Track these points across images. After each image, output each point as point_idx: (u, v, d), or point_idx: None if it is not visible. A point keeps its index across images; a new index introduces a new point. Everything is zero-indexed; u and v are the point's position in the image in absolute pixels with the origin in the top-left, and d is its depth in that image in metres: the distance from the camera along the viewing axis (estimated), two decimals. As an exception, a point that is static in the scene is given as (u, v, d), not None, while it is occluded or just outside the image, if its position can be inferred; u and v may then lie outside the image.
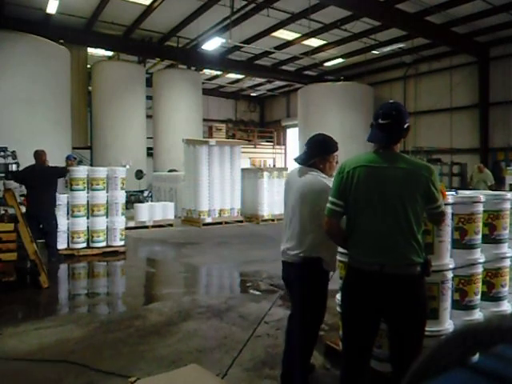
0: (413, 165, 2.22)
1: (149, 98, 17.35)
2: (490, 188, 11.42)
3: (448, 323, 2.77)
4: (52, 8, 11.56)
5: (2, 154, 9.39)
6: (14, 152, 9.62)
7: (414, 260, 2.16)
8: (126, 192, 8.50)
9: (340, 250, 2.77)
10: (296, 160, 2.87)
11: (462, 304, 2.88)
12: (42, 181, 6.65)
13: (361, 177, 2.22)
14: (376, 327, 2.32)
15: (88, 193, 7.66)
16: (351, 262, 2.32)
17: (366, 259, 2.21)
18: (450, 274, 2.78)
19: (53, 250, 6.88)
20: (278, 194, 12.07)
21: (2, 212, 5.54)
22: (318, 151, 2.79)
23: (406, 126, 2.24)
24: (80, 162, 14.41)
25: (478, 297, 2.93)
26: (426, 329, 2.68)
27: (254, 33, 14.29)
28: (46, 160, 6.97)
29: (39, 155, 6.80)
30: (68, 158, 7.76)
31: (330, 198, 2.31)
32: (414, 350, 2.22)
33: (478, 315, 2.93)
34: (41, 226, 6.73)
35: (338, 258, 2.92)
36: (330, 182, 2.54)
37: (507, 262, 3.10)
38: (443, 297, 2.73)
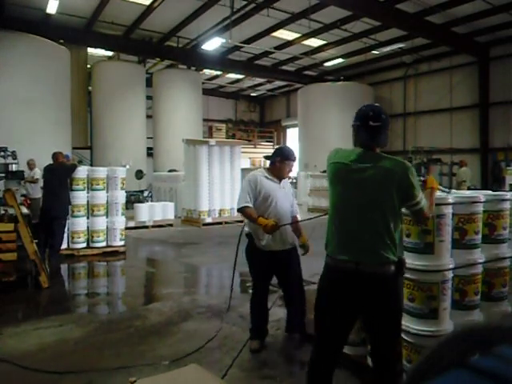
0: (389, 162, 2.23)
1: (149, 98, 17.34)
2: (461, 184, 11.51)
3: (448, 323, 2.77)
4: (52, 8, 11.55)
5: (2, 154, 9.42)
6: (14, 152, 9.65)
7: (389, 258, 2.18)
8: (126, 192, 8.50)
9: None
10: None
11: (461, 304, 2.88)
12: (58, 179, 7.01)
13: (339, 173, 2.31)
14: (351, 324, 2.36)
15: (88, 193, 7.66)
16: (327, 259, 2.34)
17: (341, 257, 2.23)
18: (450, 274, 2.78)
19: (54, 250, 6.89)
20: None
21: (2, 212, 5.54)
22: None
23: (389, 128, 2.35)
24: (80, 162, 14.41)
25: (478, 297, 2.93)
26: (426, 329, 2.69)
27: (253, 33, 14.28)
28: (63, 160, 7.40)
29: (56, 156, 7.19)
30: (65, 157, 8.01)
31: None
32: (392, 347, 2.29)
33: (477, 315, 2.92)
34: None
35: None
36: None
37: (507, 262, 3.10)
38: (443, 297, 2.73)
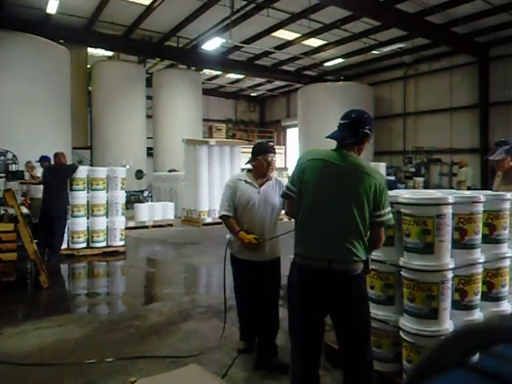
0: (367, 169, 2.30)
1: (149, 98, 17.34)
2: (460, 184, 11.53)
3: (448, 323, 2.77)
4: (52, 8, 11.54)
5: (3, 158, 9.38)
6: (14, 156, 9.63)
7: (360, 257, 2.24)
8: (126, 192, 8.50)
9: None
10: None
11: (462, 304, 2.87)
12: (59, 179, 7.05)
13: (315, 170, 2.32)
14: (324, 324, 2.40)
15: (88, 193, 7.66)
16: (297, 259, 2.34)
17: (313, 255, 2.25)
18: (450, 274, 2.78)
19: (54, 250, 6.89)
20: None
21: (2, 212, 5.54)
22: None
23: (363, 130, 2.32)
24: (80, 162, 14.42)
25: (478, 297, 2.93)
26: (426, 329, 2.69)
27: (253, 33, 14.28)
28: (65, 161, 7.40)
29: (58, 157, 7.19)
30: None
31: (287, 183, 2.53)
32: (365, 337, 2.33)
33: (477, 315, 2.92)
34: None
35: None
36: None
37: (507, 262, 3.10)
38: (443, 297, 2.73)
